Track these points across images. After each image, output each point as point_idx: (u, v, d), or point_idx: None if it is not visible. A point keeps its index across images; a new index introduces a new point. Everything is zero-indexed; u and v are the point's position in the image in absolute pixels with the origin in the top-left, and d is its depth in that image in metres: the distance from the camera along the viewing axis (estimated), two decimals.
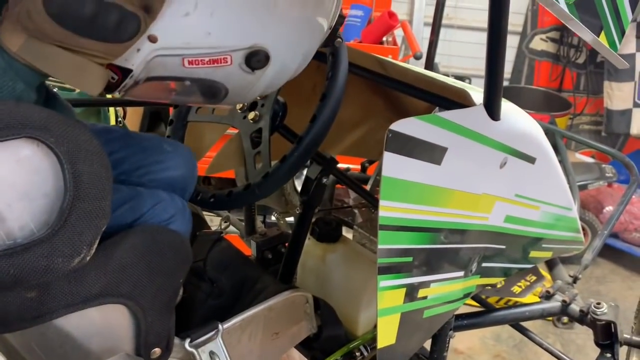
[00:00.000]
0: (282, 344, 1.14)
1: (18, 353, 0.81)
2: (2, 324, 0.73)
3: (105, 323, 0.83)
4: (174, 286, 0.90)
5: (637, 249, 3.11)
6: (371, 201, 1.38)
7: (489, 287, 1.42)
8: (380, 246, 0.79)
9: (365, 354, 1.22)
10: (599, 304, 1.25)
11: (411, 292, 0.91)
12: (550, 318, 2.87)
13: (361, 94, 1.37)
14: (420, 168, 0.78)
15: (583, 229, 2.94)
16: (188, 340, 0.94)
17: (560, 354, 1.34)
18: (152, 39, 0.72)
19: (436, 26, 2.46)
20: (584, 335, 2.77)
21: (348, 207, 1.69)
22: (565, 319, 2.82)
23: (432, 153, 0.79)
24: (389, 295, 0.85)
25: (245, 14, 0.75)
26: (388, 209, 0.76)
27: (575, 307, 1.30)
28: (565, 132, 2.47)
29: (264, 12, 0.77)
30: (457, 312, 1.37)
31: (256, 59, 0.78)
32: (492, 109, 0.88)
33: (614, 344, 1.22)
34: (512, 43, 3.46)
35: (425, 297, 0.96)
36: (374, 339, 1.29)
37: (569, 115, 3.29)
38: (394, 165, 0.73)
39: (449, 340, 1.21)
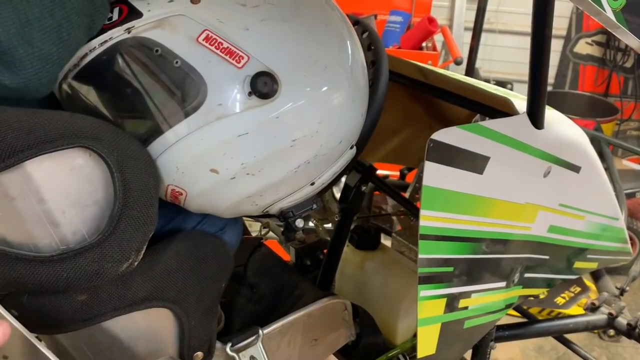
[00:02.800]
0: (321, 350, 1.14)
1: (68, 353, 0.84)
2: (55, 325, 0.75)
3: (151, 326, 0.85)
4: (217, 291, 0.92)
5: None
6: (410, 209, 1.37)
7: (532, 299, 1.40)
8: (420, 256, 0.79)
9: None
10: None
11: (452, 302, 0.90)
12: (596, 330, 2.78)
13: (401, 101, 1.37)
14: (461, 177, 0.78)
15: (631, 238, 2.86)
16: (229, 344, 0.96)
17: None
18: None
19: (477, 31, 2.43)
20: (631, 350, 2.67)
21: (387, 215, 1.69)
22: (611, 331, 2.74)
23: (474, 162, 0.78)
24: (429, 305, 0.85)
25: (285, 41, 0.74)
26: (429, 219, 0.76)
27: (622, 321, 1.26)
28: (611, 139, 2.40)
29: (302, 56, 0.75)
30: (498, 323, 1.36)
31: (264, 82, 0.70)
32: (535, 118, 0.86)
33: None
34: (555, 47, 3.38)
35: (466, 308, 0.95)
36: (413, 348, 1.29)
37: (616, 120, 3.20)
38: (435, 174, 0.73)
39: (489, 352, 1.19)
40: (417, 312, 0.84)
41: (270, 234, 1.61)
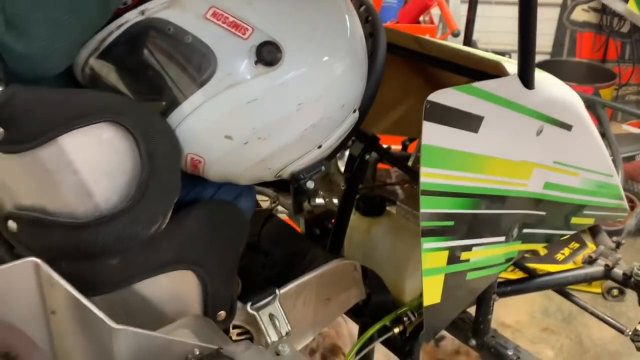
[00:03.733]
0: (334, 309, 1.22)
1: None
2: (91, 288, 0.82)
3: (177, 288, 0.92)
4: (235, 255, 0.99)
5: None
6: (413, 176, 1.44)
7: (532, 255, 1.46)
8: (422, 210, 0.85)
9: (413, 318, 1.29)
10: None
11: (454, 255, 0.97)
12: (600, 290, 2.86)
13: (401, 73, 1.42)
14: (458, 136, 0.84)
15: (632, 200, 2.91)
16: (249, 303, 1.03)
17: (605, 316, 1.37)
18: None
19: (473, 3, 2.46)
20: (635, 308, 2.74)
21: (391, 184, 1.75)
22: (615, 291, 2.81)
23: (469, 122, 0.84)
24: (433, 257, 0.92)
25: (286, 13, 0.80)
26: (429, 175, 0.83)
27: (618, 271, 1.33)
28: (606, 101, 2.44)
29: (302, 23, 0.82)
30: (501, 279, 1.42)
31: (269, 50, 0.77)
32: (526, 78, 0.92)
33: None
34: (552, 15, 3.41)
35: (467, 260, 1.02)
36: (420, 306, 1.35)
37: (614, 86, 3.23)
38: (433, 133, 0.79)
39: (492, 304, 1.26)
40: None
41: (280, 207, 1.68)
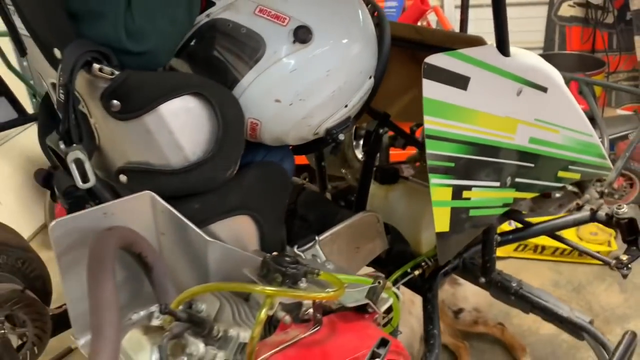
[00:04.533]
0: (362, 256, 1.45)
1: None
2: None
3: (240, 230, 1.17)
4: (282, 205, 1.24)
5: None
6: (420, 149, 1.69)
7: (525, 212, 1.69)
8: (427, 151, 1.10)
9: (430, 263, 1.53)
10: (620, 206, 1.50)
11: (457, 192, 1.21)
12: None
13: (406, 65, 1.67)
14: (450, 91, 1.10)
15: (631, 178, 3.12)
16: (296, 246, 1.28)
17: (590, 250, 1.59)
18: None
19: (465, 5, 2.73)
20: None
21: (403, 163, 1.99)
22: (623, 257, 3.01)
23: (458, 80, 1.10)
24: (439, 191, 1.16)
25: (314, 5, 1.08)
26: (429, 122, 1.08)
27: (602, 213, 1.56)
28: (588, 79, 2.67)
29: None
30: (503, 231, 1.65)
31: (303, 32, 1.04)
32: (502, 47, 1.18)
33: (638, 237, 1.47)
34: (541, 13, 3.67)
35: (469, 199, 1.27)
36: (435, 255, 1.60)
37: (603, 73, 3.47)
38: (430, 88, 1.05)
39: (495, 245, 1.49)
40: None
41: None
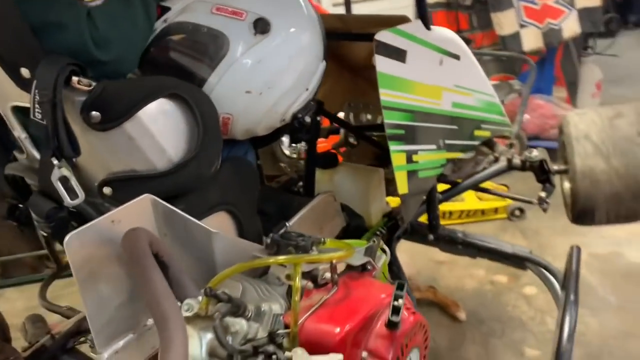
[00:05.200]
0: (327, 235, 1.54)
1: None
2: None
3: (221, 226, 1.20)
4: (255, 197, 1.29)
5: (554, 142, 3.73)
6: (351, 129, 1.81)
7: (447, 174, 1.88)
8: (385, 121, 1.22)
9: (384, 231, 1.65)
10: (531, 151, 1.73)
11: (409, 156, 1.34)
12: (506, 215, 3.42)
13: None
14: (394, 65, 1.22)
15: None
16: (270, 235, 1.33)
17: (510, 194, 1.82)
18: None
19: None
20: (536, 221, 3.33)
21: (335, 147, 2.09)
22: (517, 212, 3.37)
23: (399, 54, 1.23)
24: (397, 157, 1.29)
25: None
26: (384, 94, 1.20)
27: (516, 161, 1.78)
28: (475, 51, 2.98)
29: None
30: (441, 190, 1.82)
31: (262, 23, 1.12)
32: (424, 21, 1.33)
33: (549, 176, 1.70)
34: (407, 3, 4.00)
35: (417, 162, 1.40)
36: (385, 223, 1.73)
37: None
38: (382, 63, 1.17)
39: (437, 204, 1.65)
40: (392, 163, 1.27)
41: None
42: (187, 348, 0.67)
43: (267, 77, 1.12)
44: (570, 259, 1.26)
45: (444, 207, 3.40)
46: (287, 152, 2.16)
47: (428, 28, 1.35)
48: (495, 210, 3.43)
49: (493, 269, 2.97)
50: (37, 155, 1.03)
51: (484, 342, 2.49)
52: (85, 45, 0.94)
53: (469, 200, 3.47)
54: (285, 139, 2.12)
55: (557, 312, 2.57)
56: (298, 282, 0.85)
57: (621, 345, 2.35)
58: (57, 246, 2.20)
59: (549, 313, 2.59)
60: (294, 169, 2.02)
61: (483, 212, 3.44)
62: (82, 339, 1.44)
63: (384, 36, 1.16)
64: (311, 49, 1.20)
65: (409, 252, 3.11)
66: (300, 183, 1.87)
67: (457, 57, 1.52)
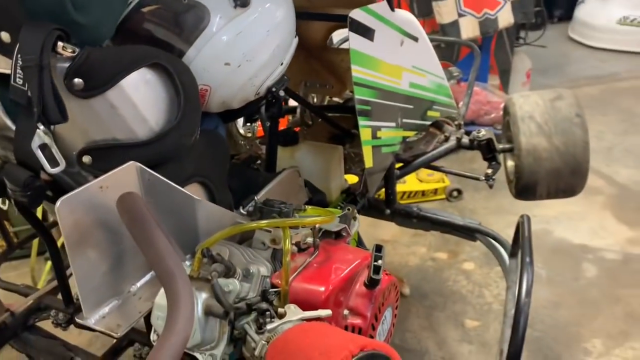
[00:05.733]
0: None
1: None
2: None
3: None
4: (225, 169, 1.32)
5: (489, 127, 3.94)
6: (312, 108, 1.86)
7: (405, 150, 1.98)
8: (356, 96, 1.27)
9: (343, 206, 1.71)
10: (479, 131, 1.84)
11: (374, 132, 1.41)
12: (444, 196, 3.59)
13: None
14: (364, 43, 1.28)
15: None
16: (241, 207, 1.36)
17: (459, 171, 1.93)
18: None
19: None
20: (472, 202, 3.53)
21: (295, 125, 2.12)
22: (454, 193, 3.54)
23: (368, 32, 1.28)
24: (365, 132, 1.35)
25: None
26: (355, 71, 1.25)
27: (465, 140, 1.89)
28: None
29: None
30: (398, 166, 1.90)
31: None
32: (389, 3, 1.39)
33: (495, 155, 1.82)
34: None
35: (380, 138, 1.47)
36: (344, 199, 1.80)
37: None
38: (354, 40, 1.22)
39: (394, 180, 1.74)
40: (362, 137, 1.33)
41: None
42: (194, 303, 0.69)
43: (245, 50, 1.14)
44: (523, 226, 1.37)
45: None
46: (241, 131, 2.18)
47: (392, 9, 1.41)
48: (435, 191, 3.59)
49: (434, 246, 3.13)
50: (11, 124, 1.01)
51: (427, 315, 2.63)
52: (64, 6, 0.92)
53: (410, 182, 3.61)
54: (240, 119, 2.15)
55: (493, 286, 2.77)
56: (288, 244, 0.89)
57: (550, 314, 2.56)
58: (8, 226, 2.11)
59: (486, 287, 2.77)
60: (251, 147, 2.04)
61: (423, 193, 3.59)
62: (44, 315, 1.41)
63: (357, 14, 1.21)
64: (286, 24, 1.23)
65: None
66: (259, 162, 1.90)
67: (415, 39, 1.60)
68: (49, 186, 1.02)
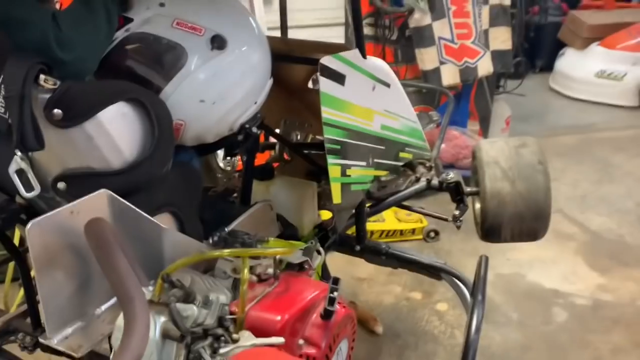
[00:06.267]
0: None
1: None
2: None
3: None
4: (197, 201, 1.37)
5: (468, 171, 4.04)
6: (289, 145, 1.93)
7: (379, 189, 2.04)
8: (325, 136, 1.34)
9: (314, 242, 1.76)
10: (448, 173, 1.92)
11: (344, 170, 1.47)
12: (422, 237, 3.65)
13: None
14: (334, 87, 1.35)
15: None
16: (210, 238, 1.40)
17: (428, 211, 2.00)
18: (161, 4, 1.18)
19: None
20: (449, 243, 3.59)
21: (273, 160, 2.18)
22: (432, 233, 3.60)
23: (339, 77, 1.36)
24: (333, 169, 1.41)
25: (222, 18, 1.25)
26: (325, 112, 1.32)
27: (434, 182, 1.96)
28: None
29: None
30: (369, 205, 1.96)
31: (219, 40, 1.21)
32: (361, 52, 1.48)
33: (462, 197, 1.90)
34: (339, 33, 4.22)
35: (350, 176, 1.54)
36: (316, 234, 1.85)
37: None
38: (325, 84, 1.29)
39: (365, 217, 1.80)
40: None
41: None
42: (149, 324, 0.74)
43: (220, 89, 1.21)
44: (479, 267, 1.43)
45: (367, 226, 3.58)
46: (221, 164, 2.24)
47: (364, 57, 1.50)
48: (413, 231, 3.65)
49: (409, 286, 3.17)
50: None
51: (399, 354, 2.64)
52: (49, 44, 0.99)
53: (389, 221, 3.67)
54: (220, 152, 2.21)
55: (464, 327, 2.81)
56: (246, 273, 0.94)
57: (520, 357, 2.59)
58: None
59: (458, 328, 2.80)
60: (229, 180, 2.10)
61: (402, 232, 3.65)
62: (12, 338, 1.43)
63: (328, 61, 1.29)
64: (261, 66, 1.31)
65: (331, 269, 3.24)
66: (235, 195, 1.96)
67: (387, 84, 1.69)
68: (24, 210, 1.07)
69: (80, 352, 0.95)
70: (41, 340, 0.96)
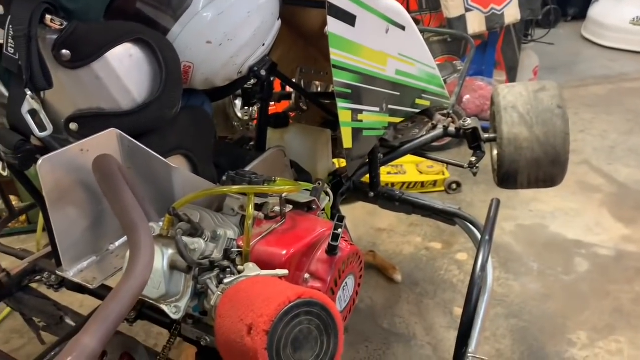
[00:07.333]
0: None
1: None
2: None
3: None
4: (210, 144, 1.39)
5: None
6: (304, 93, 1.92)
7: (395, 137, 2.03)
8: (334, 79, 1.33)
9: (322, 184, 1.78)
10: (465, 120, 1.89)
11: (354, 115, 1.47)
12: (443, 188, 3.63)
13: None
14: (344, 27, 1.33)
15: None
16: (227, 173, 1.42)
17: (442, 158, 1.98)
18: None
19: None
20: (470, 195, 3.57)
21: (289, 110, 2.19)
22: (454, 185, 3.58)
23: (348, 18, 1.34)
24: (344, 114, 1.41)
25: None
26: (334, 54, 1.31)
27: (452, 129, 1.94)
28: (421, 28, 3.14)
29: None
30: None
31: None
32: None
33: (480, 143, 1.87)
34: None
35: (362, 121, 1.53)
36: (330, 181, 1.86)
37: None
38: (333, 24, 1.27)
39: (379, 162, 1.79)
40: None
41: None
42: (154, 252, 0.77)
43: (227, 29, 1.21)
44: (490, 208, 1.42)
45: (387, 179, 3.58)
46: (239, 114, 2.26)
47: None
48: (434, 183, 3.64)
49: (429, 236, 3.19)
50: (5, 91, 1.09)
51: (417, 301, 2.69)
52: None
53: (410, 173, 3.66)
54: (238, 102, 2.22)
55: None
56: (251, 210, 0.96)
57: (539, 306, 2.60)
58: (16, 201, 2.20)
59: None
60: (246, 130, 2.11)
61: (423, 184, 3.64)
62: (37, 277, 1.50)
63: (337, 0, 1.27)
64: (268, 6, 1.29)
65: (351, 220, 3.28)
66: (252, 143, 1.98)
67: (402, 27, 1.65)
68: (40, 151, 1.10)
69: (95, 284, 0.99)
70: (57, 272, 1.01)
